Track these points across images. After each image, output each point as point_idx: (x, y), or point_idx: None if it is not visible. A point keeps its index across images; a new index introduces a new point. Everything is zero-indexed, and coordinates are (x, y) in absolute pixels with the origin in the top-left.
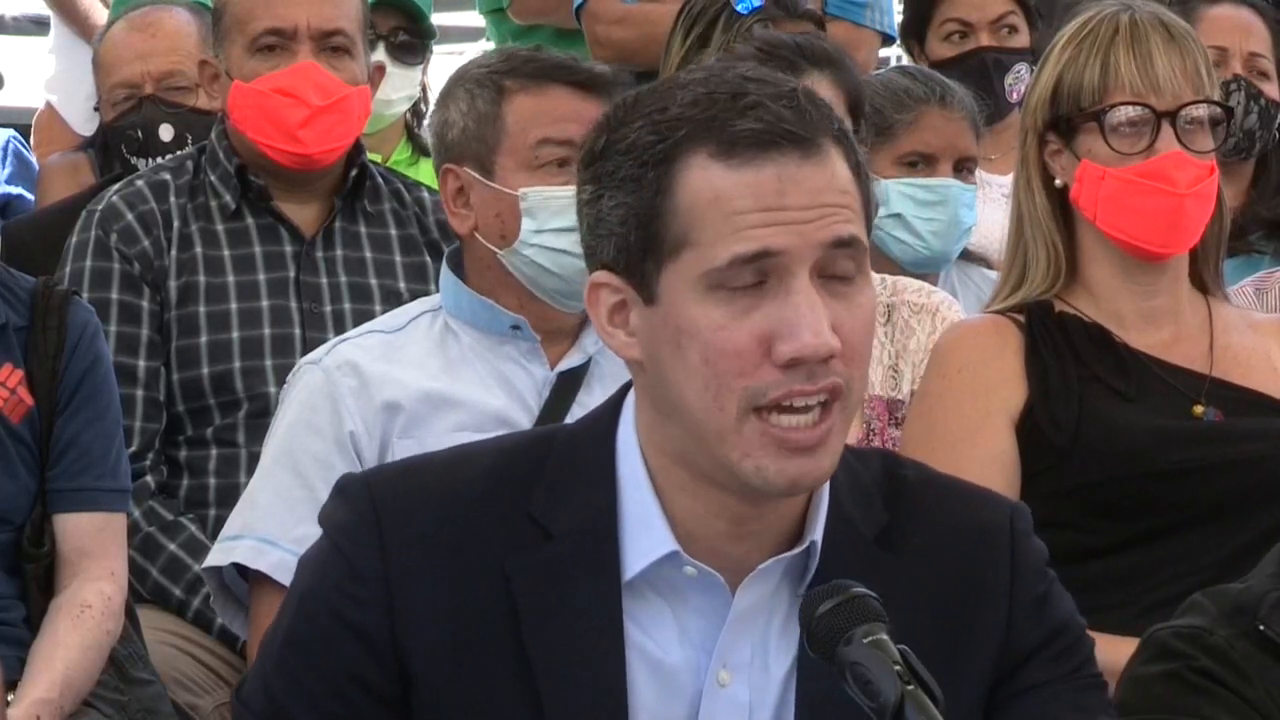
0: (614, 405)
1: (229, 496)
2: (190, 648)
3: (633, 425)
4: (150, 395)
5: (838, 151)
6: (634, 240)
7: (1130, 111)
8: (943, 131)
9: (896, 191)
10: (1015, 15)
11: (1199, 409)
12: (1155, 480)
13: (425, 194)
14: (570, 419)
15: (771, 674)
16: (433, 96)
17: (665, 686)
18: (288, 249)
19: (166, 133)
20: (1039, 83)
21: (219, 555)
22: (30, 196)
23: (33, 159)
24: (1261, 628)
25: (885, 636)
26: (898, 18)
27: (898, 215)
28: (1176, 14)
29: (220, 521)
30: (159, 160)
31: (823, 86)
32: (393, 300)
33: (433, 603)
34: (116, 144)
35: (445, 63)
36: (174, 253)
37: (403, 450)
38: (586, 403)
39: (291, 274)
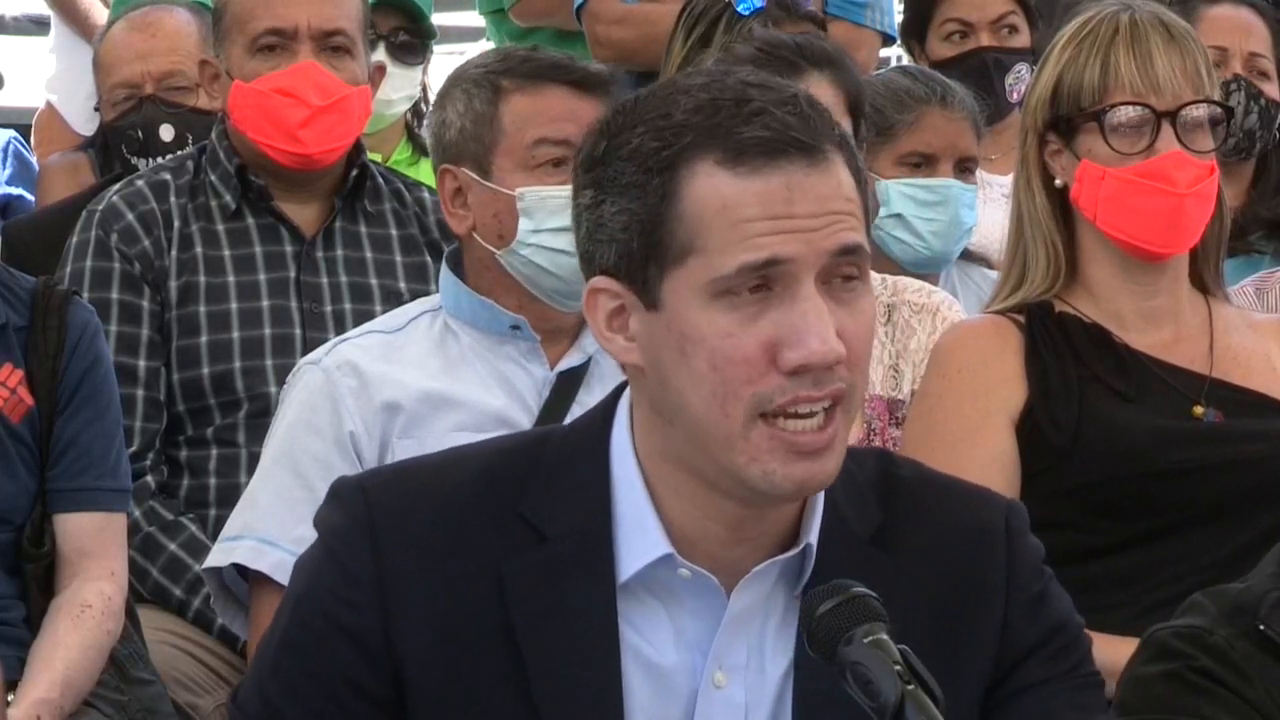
0: (607, 408)
1: (229, 496)
2: (190, 648)
3: (627, 428)
4: (150, 395)
5: (840, 158)
6: (637, 246)
7: (1130, 111)
8: (943, 132)
9: (897, 192)
10: (1016, 15)
11: (1199, 409)
12: (1155, 481)
13: (426, 194)
14: (570, 419)
15: (768, 675)
16: (433, 96)
17: (660, 688)
18: (288, 249)
19: (167, 133)
20: (1039, 83)
21: (219, 556)
22: (30, 197)
23: (33, 160)
24: (1261, 627)
25: (886, 636)
26: (898, 18)
27: (898, 215)
28: (1176, 14)
29: (220, 521)
30: (159, 160)
31: (823, 87)
32: (393, 300)
33: (427, 606)
34: (117, 144)
35: (445, 63)
36: (174, 253)
37: (403, 450)
38: (586, 402)
39: (292, 274)
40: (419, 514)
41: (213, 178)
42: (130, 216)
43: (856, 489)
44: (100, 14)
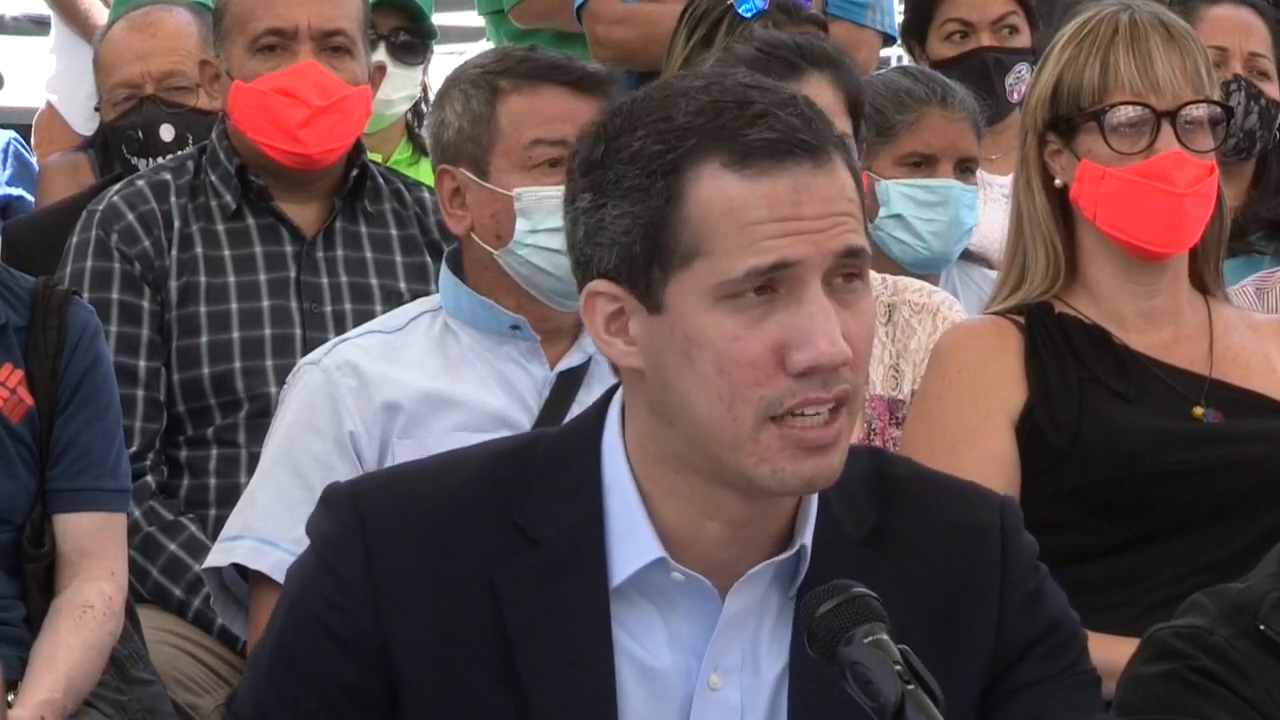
0: (598, 411)
1: (229, 496)
2: (190, 648)
3: (618, 432)
4: (151, 395)
5: (841, 159)
6: (639, 249)
7: (1130, 111)
8: (944, 132)
9: (897, 192)
10: (1016, 15)
11: (1199, 410)
12: (1155, 481)
13: (426, 194)
14: (570, 418)
15: (763, 677)
16: (434, 96)
17: (655, 691)
18: (288, 249)
19: (167, 133)
20: (1039, 83)
21: (219, 556)
22: (30, 198)
23: (33, 161)
24: (1262, 627)
25: (886, 636)
26: (899, 18)
27: (898, 216)
28: (1176, 14)
29: (220, 522)
30: (159, 160)
31: (823, 87)
32: (393, 300)
33: (419, 611)
34: (117, 144)
35: (445, 63)
36: (174, 253)
37: (403, 450)
38: (586, 402)
39: (292, 274)
40: (410, 519)
41: (213, 178)
42: (130, 217)
43: (849, 489)
44: (100, 14)
